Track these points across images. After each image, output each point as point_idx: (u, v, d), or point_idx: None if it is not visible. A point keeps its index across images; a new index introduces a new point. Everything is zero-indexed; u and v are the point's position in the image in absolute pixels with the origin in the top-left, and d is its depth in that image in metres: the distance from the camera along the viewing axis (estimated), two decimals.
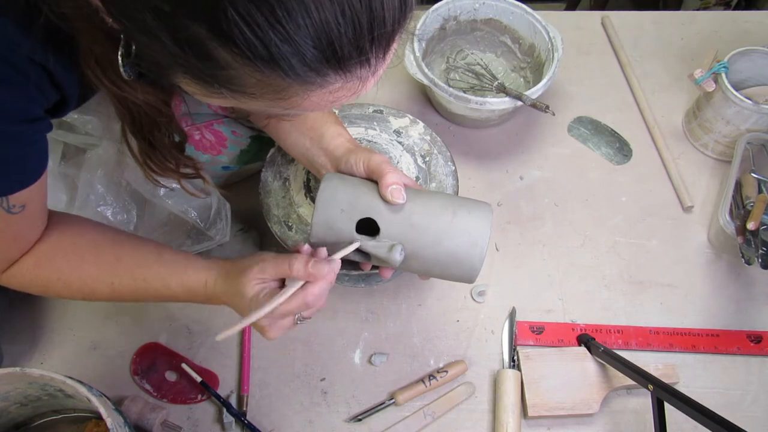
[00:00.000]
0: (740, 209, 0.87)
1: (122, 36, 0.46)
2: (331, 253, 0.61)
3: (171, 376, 0.81)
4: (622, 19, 1.19)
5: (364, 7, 0.38)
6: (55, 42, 0.49)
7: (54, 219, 0.64)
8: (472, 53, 1.08)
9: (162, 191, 0.78)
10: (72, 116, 0.75)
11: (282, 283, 0.61)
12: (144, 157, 0.63)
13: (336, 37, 0.38)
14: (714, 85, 0.95)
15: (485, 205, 0.64)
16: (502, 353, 0.84)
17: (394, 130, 0.85)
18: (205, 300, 0.65)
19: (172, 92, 0.60)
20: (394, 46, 0.43)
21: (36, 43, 0.47)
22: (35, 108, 0.52)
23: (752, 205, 0.85)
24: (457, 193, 0.81)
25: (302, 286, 0.58)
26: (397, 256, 0.60)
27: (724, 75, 0.93)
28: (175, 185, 0.72)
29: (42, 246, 0.62)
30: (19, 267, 0.62)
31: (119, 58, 0.47)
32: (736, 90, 0.93)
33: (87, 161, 0.77)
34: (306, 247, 0.61)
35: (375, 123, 0.85)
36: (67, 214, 0.67)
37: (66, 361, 0.82)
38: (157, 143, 0.62)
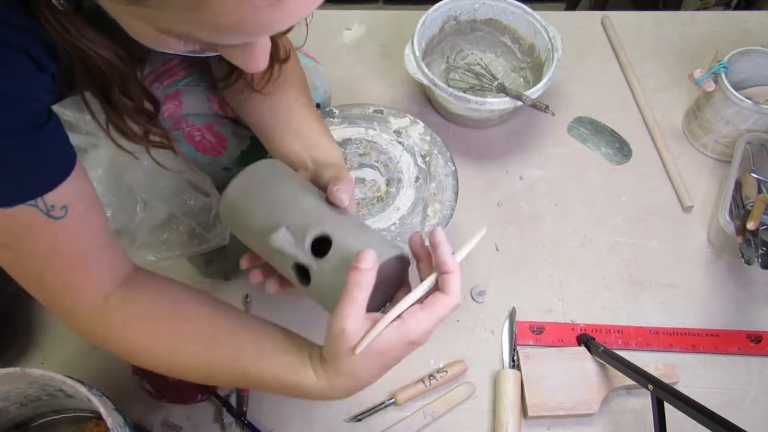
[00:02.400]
0: (740, 209, 0.87)
1: None
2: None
3: None
4: (622, 19, 1.19)
5: None
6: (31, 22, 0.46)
7: (141, 274, 0.58)
8: (472, 53, 1.08)
9: (162, 193, 0.78)
10: (73, 115, 0.75)
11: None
12: (104, 116, 0.57)
13: None
14: (714, 85, 0.95)
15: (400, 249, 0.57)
16: (502, 353, 0.84)
17: (394, 130, 0.85)
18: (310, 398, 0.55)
19: (135, 55, 0.54)
20: None
21: (18, 28, 0.45)
22: (35, 104, 0.48)
23: (752, 205, 0.85)
24: (456, 193, 0.81)
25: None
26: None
27: (723, 75, 0.93)
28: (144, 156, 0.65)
29: (134, 303, 0.56)
30: (107, 320, 0.55)
31: None
32: (736, 90, 0.93)
33: (87, 161, 0.77)
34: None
35: (375, 123, 0.85)
36: (160, 276, 0.60)
37: (66, 361, 0.82)
38: (117, 104, 0.56)
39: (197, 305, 0.58)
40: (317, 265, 0.54)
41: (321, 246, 0.55)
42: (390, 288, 0.59)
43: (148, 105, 0.60)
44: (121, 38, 0.49)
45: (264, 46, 0.47)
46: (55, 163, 0.50)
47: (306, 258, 0.54)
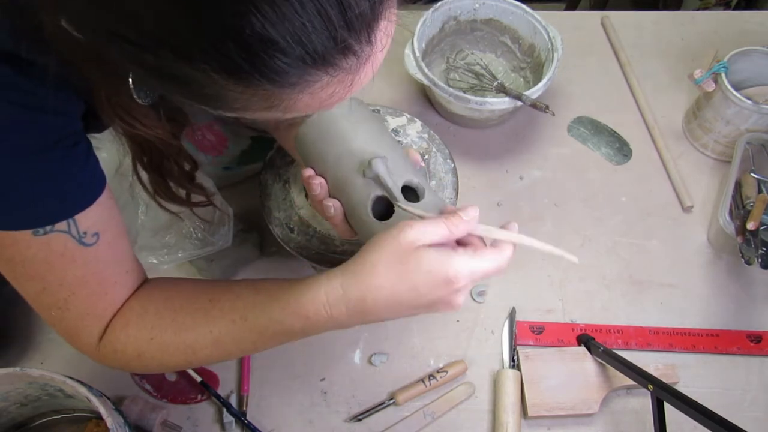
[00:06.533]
0: (740, 209, 0.87)
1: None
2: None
3: (171, 376, 0.81)
4: (622, 19, 1.19)
5: None
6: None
7: (146, 281, 0.61)
8: (472, 53, 1.08)
9: None
10: None
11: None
12: (154, 188, 0.62)
13: (302, 32, 0.34)
14: (714, 85, 0.95)
15: None
16: (502, 353, 0.84)
17: (392, 129, 0.85)
18: (331, 321, 0.52)
19: (183, 124, 0.60)
20: (383, 25, 0.39)
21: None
22: (67, 126, 0.50)
23: (752, 205, 0.85)
24: (456, 190, 0.81)
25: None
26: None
27: (723, 75, 0.93)
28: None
29: (130, 303, 0.56)
30: (111, 332, 0.55)
31: (131, 88, 0.45)
32: (736, 90, 0.93)
33: None
34: (319, 181, 0.58)
35: None
36: (160, 278, 0.62)
37: (66, 361, 0.82)
38: (167, 174, 0.61)
39: (193, 285, 0.60)
40: (406, 205, 0.55)
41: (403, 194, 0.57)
42: None
43: (188, 166, 0.64)
44: (171, 114, 0.55)
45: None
46: (85, 184, 0.51)
47: (397, 194, 0.55)
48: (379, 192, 0.57)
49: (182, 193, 0.65)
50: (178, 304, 0.57)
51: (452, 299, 0.50)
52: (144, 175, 0.61)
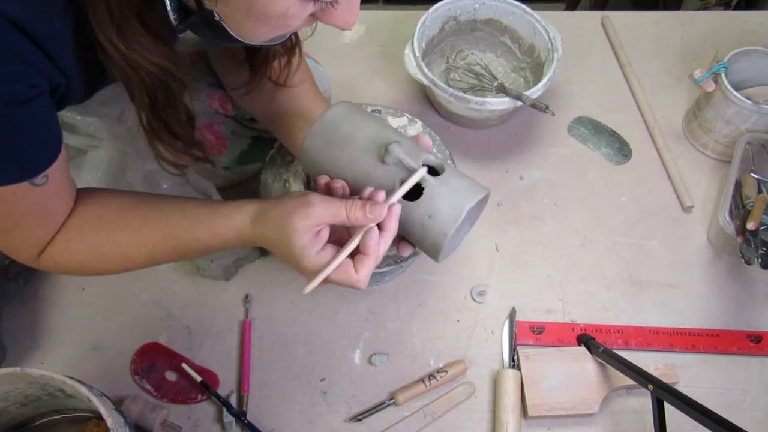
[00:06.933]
0: (740, 209, 0.87)
1: None
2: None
3: (171, 376, 0.81)
4: (621, 19, 1.19)
5: None
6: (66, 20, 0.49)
7: (79, 194, 0.63)
8: (472, 53, 1.08)
9: (164, 188, 0.78)
10: (75, 117, 0.75)
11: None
12: (154, 133, 0.61)
13: None
14: (714, 85, 0.95)
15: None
16: (502, 353, 0.84)
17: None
18: (244, 244, 0.62)
19: (177, 59, 0.59)
20: None
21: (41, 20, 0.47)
22: (32, 86, 0.50)
23: (752, 205, 0.85)
24: None
25: (366, 238, 0.55)
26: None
27: (723, 75, 0.93)
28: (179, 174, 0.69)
29: (69, 222, 0.61)
30: (53, 247, 0.60)
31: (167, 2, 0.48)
32: (736, 90, 0.93)
33: (88, 162, 0.78)
34: (341, 184, 0.60)
35: None
36: (92, 188, 0.66)
37: (66, 361, 0.82)
38: (170, 120, 0.61)
39: (124, 199, 0.64)
40: (434, 180, 0.58)
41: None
42: (473, 220, 0.67)
43: (184, 116, 0.64)
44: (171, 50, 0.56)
45: (357, 3, 0.54)
46: (55, 140, 0.54)
47: (422, 172, 0.58)
48: (403, 175, 0.59)
49: (182, 144, 0.64)
50: (112, 221, 0.62)
51: (306, 275, 0.58)
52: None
